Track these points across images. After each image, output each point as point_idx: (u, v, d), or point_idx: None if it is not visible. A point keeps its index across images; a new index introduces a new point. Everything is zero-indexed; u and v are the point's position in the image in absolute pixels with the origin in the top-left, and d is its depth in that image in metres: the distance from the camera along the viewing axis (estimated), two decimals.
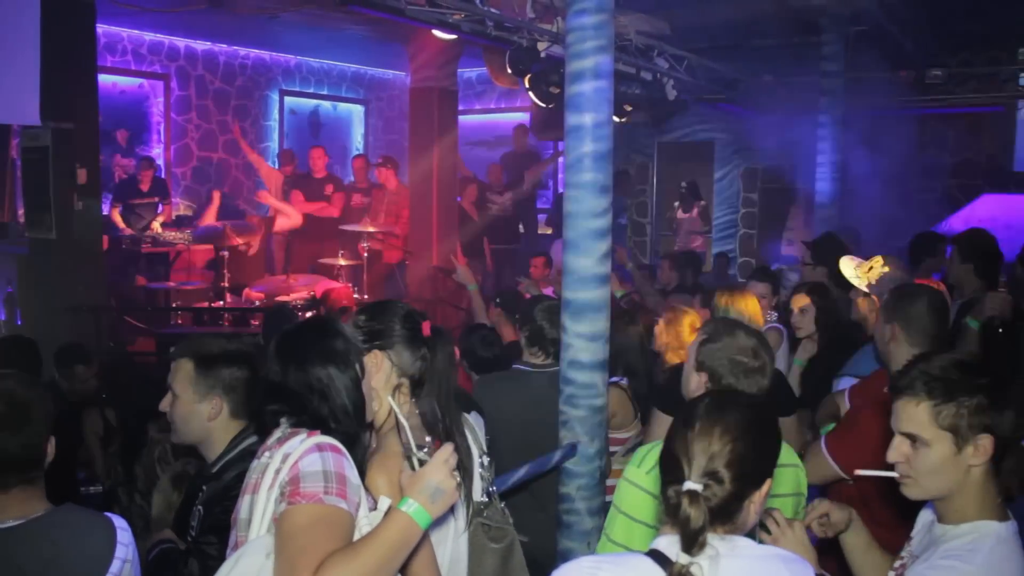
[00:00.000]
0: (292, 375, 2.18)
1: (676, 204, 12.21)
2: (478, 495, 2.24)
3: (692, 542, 1.75)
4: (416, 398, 2.42)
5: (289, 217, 10.57)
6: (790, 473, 2.72)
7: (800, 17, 8.12)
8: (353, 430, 2.19)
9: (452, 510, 2.19)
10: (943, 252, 5.67)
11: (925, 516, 2.24)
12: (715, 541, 1.77)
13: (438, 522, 2.11)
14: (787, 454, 2.75)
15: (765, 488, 1.85)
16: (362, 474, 2.17)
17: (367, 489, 2.17)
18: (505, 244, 11.04)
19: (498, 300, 5.71)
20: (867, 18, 8.23)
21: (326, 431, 2.13)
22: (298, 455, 2.04)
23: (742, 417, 1.84)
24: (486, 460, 2.54)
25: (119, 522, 2.37)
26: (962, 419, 1.99)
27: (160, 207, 9.97)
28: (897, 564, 2.24)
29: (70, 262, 7.18)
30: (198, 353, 2.73)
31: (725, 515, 1.79)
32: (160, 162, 11.09)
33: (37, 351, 4.77)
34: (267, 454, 2.12)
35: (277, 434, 2.17)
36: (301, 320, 2.35)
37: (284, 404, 2.17)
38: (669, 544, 1.79)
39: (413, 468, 2.04)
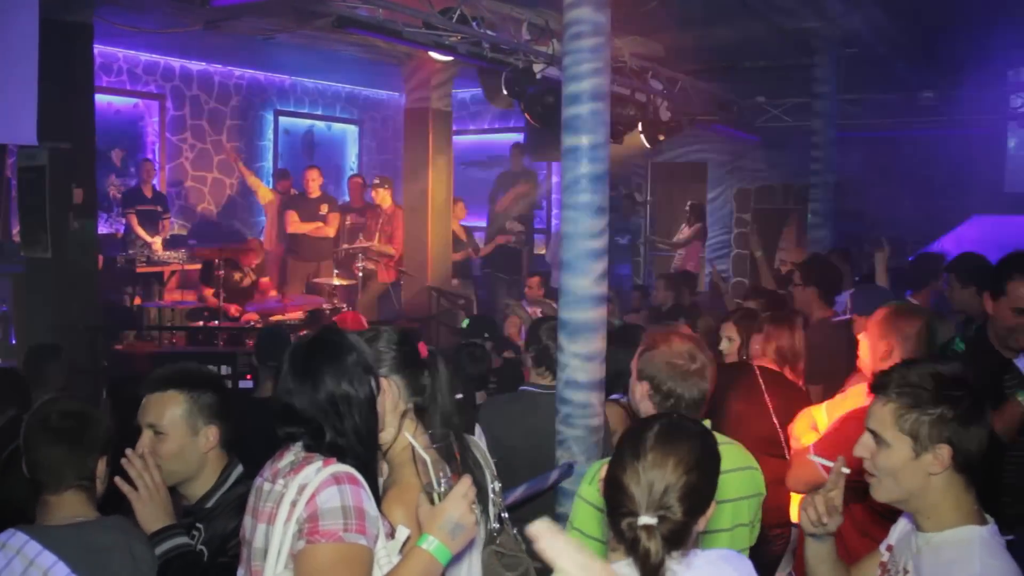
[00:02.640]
0: (307, 394, 2.12)
1: (683, 225, 12.41)
2: (491, 521, 2.23)
3: (654, 574, 1.77)
4: (422, 421, 2.36)
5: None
6: (748, 476, 2.80)
7: (792, 39, 8.19)
8: (366, 455, 2.14)
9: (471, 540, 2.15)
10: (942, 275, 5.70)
11: (903, 525, 2.26)
12: (671, 563, 1.80)
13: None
14: (745, 458, 2.83)
15: (710, 511, 1.89)
16: (377, 501, 2.13)
17: (383, 515, 2.13)
18: (507, 275, 11.02)
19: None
20: (859, 40, 8.30)
21: (341, 458, 2.08)
22: (315, 487, 2.00)
23: (693, 448, 1.86)
24: (497, 486, 2.51)
25: None
26: (923, 427, 2.04)
27: (160, 221, 10.03)
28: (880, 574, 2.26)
29: (65, 281, 7.16)
30: (186, 380, 2.56)
31: (678, 542, 1.82)
32: (155, 181, 11.10)
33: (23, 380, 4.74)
34: (281, 482, 2.07)
35: (290, 458, 2.12)
36: (313, 334, 2.29)
37: (300, 426, 2.12)
38: (630, 570, 1.81)
39: (432, 502, 2.01)
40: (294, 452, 2.13)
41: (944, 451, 2.04)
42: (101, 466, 2.50)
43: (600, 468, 2.52)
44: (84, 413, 2.55)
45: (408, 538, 2.08)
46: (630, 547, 1.80)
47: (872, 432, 2.12)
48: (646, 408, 2.73)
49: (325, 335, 2.24)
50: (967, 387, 2.10)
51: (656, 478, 1.81)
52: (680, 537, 1.82)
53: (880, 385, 2.14)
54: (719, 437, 2.77)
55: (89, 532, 2.37)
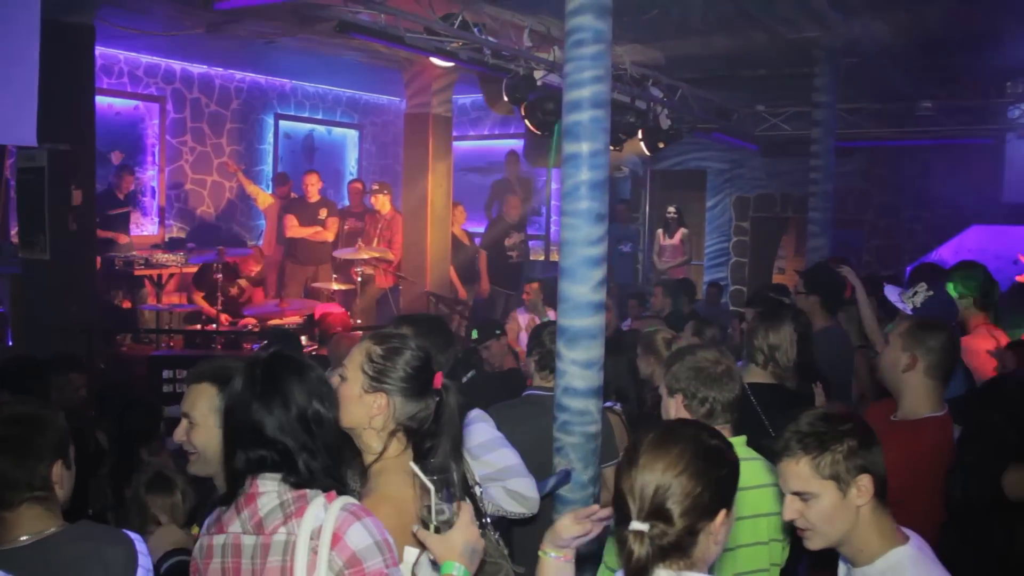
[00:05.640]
0: (277, 413, 2.03)
1: (659, 230, 12.14)
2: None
3: None
4: (422, 447, 2.29)
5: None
6: (771, 493, 2.79)
7: (793, 49, 8.20)
8: (338, 474, 2.10)
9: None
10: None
11: (843, 570, 2.29)
12: (667, 574, 1.76)
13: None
14: (768, 474, 2.80)
15: (719, 519, 1.80)
16: None
17: None
18: (506, 288, 10.98)
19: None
20: (859, 50, 8.31)
21: (311, 483, 2.02)
22: (334, 527, 1.94)
23: (687, 449, 1.80)
24: (478, 491, 2.49)
25: (135, 536, 2.35)
26: (839, 465, 2.10)
27: (130, 216, 10.01)
28: None
29: (63, 283, 7.16)
30: (219, 375, 2.53)
31: (679, 551, 1.77)
32: (154, 183, 11.10)
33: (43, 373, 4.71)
34: (283, 530, 1.96)
35: (270, 503, 2.00)
36: (268, 352, 2.18)
37: (267, 448, 2.02)
38: None
39: (426, 526, 1.99)
40: (269, 495, 2.01)
41: (865, 479, 2.11)
42: (57, 470, 2.33)
43: None
44: (33, 416, 2.35)
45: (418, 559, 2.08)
46: (622, 554, 1.78)
47: (796, 494, 2.15)
48: None
49: (285, 352, 2.18)
50: (847, 416, 2.20)
51: (647, 482, 1.77)
52: (680, 546, 1.76)
53: (782, 449, 2.16)
54: (745, 452, 2.78)
55: (51, 548, 2.24)
